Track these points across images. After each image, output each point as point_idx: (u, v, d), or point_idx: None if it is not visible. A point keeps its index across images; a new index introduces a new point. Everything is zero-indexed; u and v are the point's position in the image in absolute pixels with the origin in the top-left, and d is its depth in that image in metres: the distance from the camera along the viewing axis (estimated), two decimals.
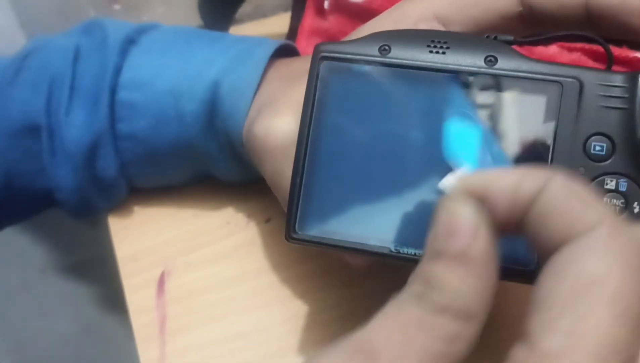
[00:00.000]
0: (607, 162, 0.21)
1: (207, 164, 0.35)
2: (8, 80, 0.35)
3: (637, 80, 0.21)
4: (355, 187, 0.23)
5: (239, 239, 0.36)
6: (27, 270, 0.65)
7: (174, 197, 0.38)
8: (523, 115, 0.22)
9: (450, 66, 0.23)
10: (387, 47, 0.24)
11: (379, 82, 0.24)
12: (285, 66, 0.33)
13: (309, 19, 0.43)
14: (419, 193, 0.23)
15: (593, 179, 0.21)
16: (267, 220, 0.37)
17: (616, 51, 0.34)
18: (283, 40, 0.35)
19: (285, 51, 0.35)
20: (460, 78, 0.23)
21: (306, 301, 0.33)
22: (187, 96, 0.33)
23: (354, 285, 0.34)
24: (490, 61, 0.23)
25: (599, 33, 0.25)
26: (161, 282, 0.35)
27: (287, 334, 0.32)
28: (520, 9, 0.25)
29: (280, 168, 0.28)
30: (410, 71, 0.23)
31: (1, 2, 0.46)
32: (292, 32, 0.48)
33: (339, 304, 0.33)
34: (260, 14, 0.54)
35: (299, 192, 0.24)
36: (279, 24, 0.52)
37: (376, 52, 0.24)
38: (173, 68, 0.33)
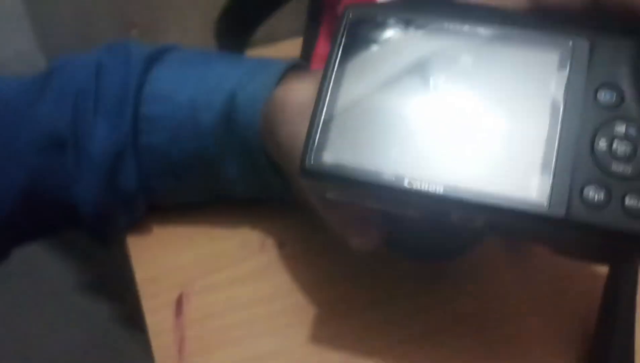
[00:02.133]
0: (618, 109, 0.23)
1: (224, 176, 0.36)
2: (34, 97, 0.36)
3: None
4: (372, 125, 0.24)
5: (254, 263, 0.37)
6: (40, 286, 0.66)
7: (191, 219, 0.39)
8: (536, 67, 0.24)
9: (469, 20, 0.25)
10: (413, 7, 0.25)
11: (401, 33, 0.25)
12: (303, 71, 0.34)
13: (323, 45, 0.44)
14: (433, 132, 0.24)
15: (603, 123, 0.23)
16: (282, 245, 0.38)
17: None
18: (297, 59, 0.36)
19: (299, 69, 0.36)
20: (479, 31, 0.24)
21: (323, 326, 0.34)
22: (205, 108, 0.34)
23: (370, 310, 0.34)
24: (507, 18, 0.25)
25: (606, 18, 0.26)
26: (179, 304, 0.36)
27: (303, 358, 0.33)
28: (529, 3, 0.26)
29: (296, 129, 0.28)
30: (431, 22, 0.25)
31: (23, 27, 0.47)
32: (305, 57, 0.49)
33: (355, 330, 0.34)
34: (273, 38, 0.55)
35: (318, 127, 0.24)
36: (291, 48, 0.53)
37: (402, 9, 0.25)
38: (192, 82, 0.35)
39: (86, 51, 0.38)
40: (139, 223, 0.39)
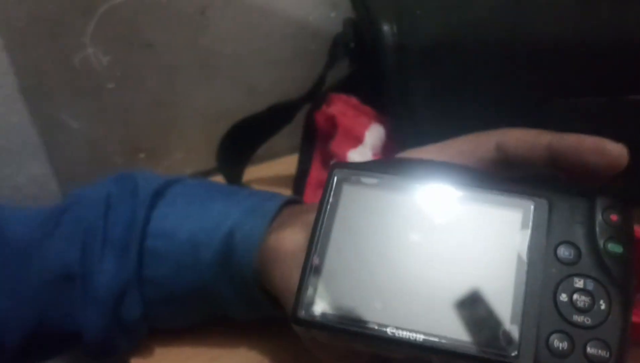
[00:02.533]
0: (576, 265, 0.25)
1: (224, 306, 0.38)
2: (47, 232, 0.38)
3: (596, 201, 0.26)
4: (357, 278, 0.26)
5: None
6: None
7: (193, 338, 0.41)
8: (502, 225, 0.26)
9: (442, 183, 0.27)
10: (394, 167, 0.28)
11: (383, 192, 0.28)
12: (295, 210, 0.37)
13: (316, 172, 0.48)
14: (412, 285, 0.26)
15: (564, 278, 0.25)
16: None
17: None
18: (291, 196, 0.39)
19: (295, 202, 0.39)
20: (452, 193, 0.27)
21: None
22: (205, 246, 0.36)
23: None
24: (477, 179, 0.27)
25: (562, 172, 0.29)
26: None
27: None
28: (496, 154, 0.29)
29: (289, 273, 0.31)
30: (409, 184, 0.28)
31: (38, 153, 0.51)
32: (301, 174, 0.53)
33: None
34: (271, 154, 0.59)
35: (308, 280, 0.26)
36: (288, 164, 0.57)
37: (383, 169, 0.28)
38: (193, 220, 0.37)
39: (97, 179, 0.41)
40: (141, 344, 0.41)
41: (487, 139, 0.30)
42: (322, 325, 0.26)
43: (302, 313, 0.26)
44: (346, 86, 0.48)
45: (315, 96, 0.48)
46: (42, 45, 0.46)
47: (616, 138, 0.27)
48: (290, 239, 0.32)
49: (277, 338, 0.40)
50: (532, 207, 0.26)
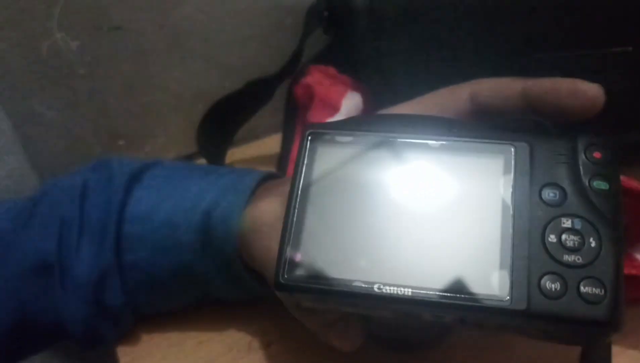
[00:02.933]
0: (562, 206, 0.25)
1: (207, 287, 0.37)
2: (21, 224, 0.37)
3: (577, 140, 0.25)
4: (338, 237, 0.26)
5: None
6: None
7: (179, 323, 0.40)
8: (484, 173, 0.26)
9: (419, 134, 0.27)
10: (367, 124, 0.28)
11: (358, 149, 0.27)
12: (272, 184, 0.36)
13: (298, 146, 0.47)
14: (397, 239, 0.25)
15: (551, 220, 0.24)
16: (269, 344, 0.39)
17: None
18: (269, 171, 0.38)
19: (274, 177, 0.38)
20: (428, 144, 0.26)
21: None
22: (183, 227, 0.35)
23: None
24: (453, 129, 0.27)
25: (540, 117, 0.28)
26: None
27: None
28: (470, 105, 0.29)
29: (268, 245, 0.30)
30: (384, 139, 0.27)
31: (14, 146, 0.50)
32: (285, 154, 0.52)
33: None
34: (253, 135, 0.58)
35: (288, 243, 0.26)
36: (271, 145, 0.56)
37: (356, 127, 0.27)
38: (170, 201, 0.36)
39: (74, 168, 0.40)
40: (128, 331, 0.40)
41: (459, 91, 0.29)
42: (306, 288, 0.25)
43: (284, 278, 0.25)
44: (325, 58, 0.47)
45: (293, 69, 0.47)
46: (6, 33, 0.44)
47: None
48: (268, 210, 0.31)
49: (265, 319, 0.40)
50: (513, 152, 0.26)
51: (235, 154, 0.56)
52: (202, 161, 0.53)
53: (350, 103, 0.41)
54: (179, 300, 0.39)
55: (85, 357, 0.42)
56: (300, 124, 0.47)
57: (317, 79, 0.43)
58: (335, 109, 0.41)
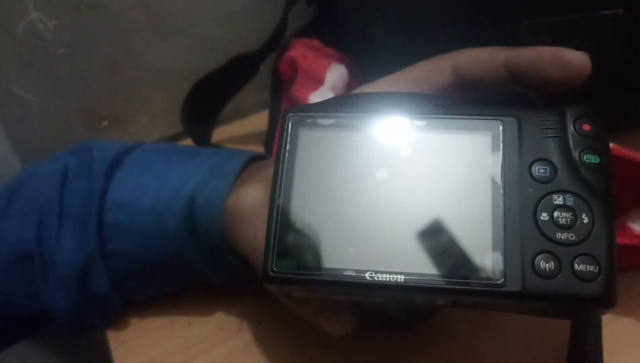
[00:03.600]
0: (553, 182, 0.24)
1: (195, 272, 0.37)
2: (0, 212, 0.37)
3: (566, 112, 0.24)
4: (326, 225, 0.25)
5: (233, 345, 0.38)
6: None
7: (168, 306, 0.40)
8: (471, 150, 0.25)
9: (403, 113, 0.26)
10: (348, 104, 0.26)
11: (342, 131, 0.26)
12: (256, 167, 0.35)
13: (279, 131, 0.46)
14: (386, 224, 0.24)
15: (542, 197, 0.24)
16: (259, 323, 0.38)
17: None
18: (254, 152, 0.37)
19: (259, 157, 0.37)
20: (413, 123, 0.25)
21: None
22: (167, 214, 0.34)
23: None
24: (439, 106, 0.25)
25: (525, 88, 0.27)
26: None
27: None
28: (453, 78, 0.28)
29: (252, 232, 0.29)
30: (368, 119, 0.26)
31: None
32: (271, 131, 0.51)
33: None
34: (240, 113, 0.57)
35: (275, 233, 0.25)
36: (258, 122, 0.55)
37: (338, 108, 0.26)
38: (153, 188, 0.35)
39: (56, 151, 0.39)
40: (117, 315, 0.39)
41: (441, 63, 0.28)
42: (295, 280, 0.25)
43: (272, 270, 0.25)
44: (311, 31, 0.46)
45: (277, 43, 0.46)
46: None
47: (591, 56, 0.25)
48: (249, 196, 0.31)
49: (255, 299, 0.39)
50: (500, 127, 0.25)
51: (222, 133, 0.55)
52: (188, 141, 0.52)
53: (335, 75, 0.40)
54: (167, 286, 0.39)
55: (73, 342, 0.42)
56: (286, 99, 0.46)
57: (301, 52, 0.42)
58: (319, 82, 0.40)
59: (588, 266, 0.22)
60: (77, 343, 0.42)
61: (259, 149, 0.51)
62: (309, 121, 0.26)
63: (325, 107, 0.27)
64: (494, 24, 0.38)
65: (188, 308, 0.40)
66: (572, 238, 0.23)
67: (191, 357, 0.37)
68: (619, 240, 0.32)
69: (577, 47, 0.26)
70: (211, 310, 0.39)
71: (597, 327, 0.30)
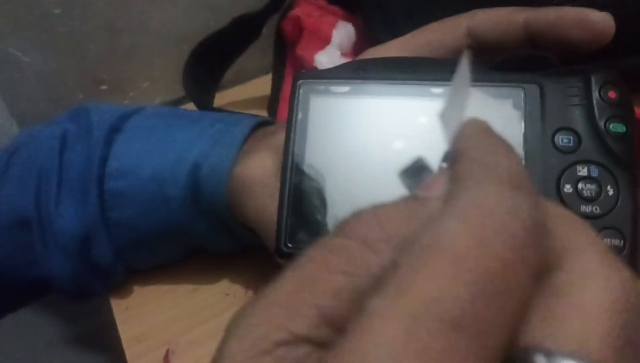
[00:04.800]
0: (577, 152, 0.23)
1: (199, 240, 0.36)
2: None
3: (590, 79, 0.23)
4: (340, 196, 0.24)
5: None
6: (35, 343, 0.66)
7: (172, 272, 0.39)
8: (492, 119, 0.24)
9: (420, 80, 0.24)
10: (361, 70, 0.25)
11: (356, 99, 0.25)
12: (263, 133, 0.34)
13: (288, 85, 0.44)
14: (402, 194, 0.24)
15: (566, 168, 0.23)
16: None
17: None
18: (260, 117, 0.36)
19: (265, 123, 0.36)
20: (430, 90, 0.24)
21: None
22: (170, 182, 0.33)
23: None
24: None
25: (542, 51, 0.26)
26: (166, 361, 0.35)
27: None
28: (469, 41, 0.26)
29: (261, 203, 0.29)
30: (383, 87, 0.25)
31: None
32: (275, 94, 0.49)
33: None
34: (242, 78, 0.56)
35: (288, 207, 0.24)
36: (261, 86, 0.54)
37: (351, 74, 0.25)
38: (155, 154, 0.34)
39: (54, 116, 0.38)
40: (121, 284, 0.39)
41: (455, 25, 0.27)
42: None
43: (286, 246, 0.24)
44: None
45: (281, 3, 0.44)
46: None
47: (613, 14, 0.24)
48: (258, 166, 0.29)
49: (260, 266, 0.38)
50: (522, 95, 0.24)
51: (225, 97, 0.54)
52: (189, 105, 0.51)
53: (342, 33, 0.39)
54: (171, 254, 0.38)
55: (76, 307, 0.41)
56: (290, 61, 0.44)
57: (306, 11, 0.41)
58: (326, 40, 0.38)
59: (613, 240, 0.22)
60: (80, 308, 0.41)
61: (262, 112, 0.50)
62: (321, 88, 0.25)
63: (337, 73, 0.26)
64: None
65: (193, 274, 0.39)
66: (597, 211, 0.22)
67: (196, 323, 0.37)
68: None
69: (599, 7, 0.25)
70: (216, 276, 0.39)
71: None
